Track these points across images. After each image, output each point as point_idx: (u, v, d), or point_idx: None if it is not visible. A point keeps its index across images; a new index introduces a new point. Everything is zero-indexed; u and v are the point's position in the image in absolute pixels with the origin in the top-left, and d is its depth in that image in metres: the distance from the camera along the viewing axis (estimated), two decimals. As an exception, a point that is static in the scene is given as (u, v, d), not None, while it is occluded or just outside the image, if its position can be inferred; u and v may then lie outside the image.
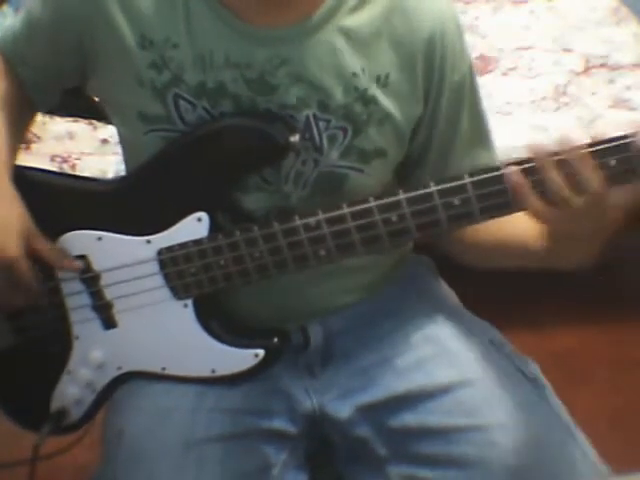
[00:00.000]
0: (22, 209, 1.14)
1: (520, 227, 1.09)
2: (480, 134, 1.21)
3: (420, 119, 1.15)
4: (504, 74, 2.47)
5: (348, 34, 1.09)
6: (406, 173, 1.21)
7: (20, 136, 1.23)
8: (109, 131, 2.21)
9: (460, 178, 1.03)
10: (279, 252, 1.09)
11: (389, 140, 1.14)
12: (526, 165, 1.00)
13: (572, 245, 1.05)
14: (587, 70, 2.46)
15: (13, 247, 1.10)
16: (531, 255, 1.11)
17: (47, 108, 1.28)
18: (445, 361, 1.17)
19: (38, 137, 2.21)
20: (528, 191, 1.00)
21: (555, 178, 0.98)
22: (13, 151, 1.19)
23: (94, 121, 2.26)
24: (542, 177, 0.99)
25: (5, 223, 1.11)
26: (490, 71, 2.47)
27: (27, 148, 2.13)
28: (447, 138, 1.18)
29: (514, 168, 1.00)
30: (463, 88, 1.17)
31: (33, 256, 1.13)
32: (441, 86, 1.14)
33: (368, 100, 1.11)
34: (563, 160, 0.98)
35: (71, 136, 2.26)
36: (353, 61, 1.10)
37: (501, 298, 2.15)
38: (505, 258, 1.19)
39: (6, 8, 2.46)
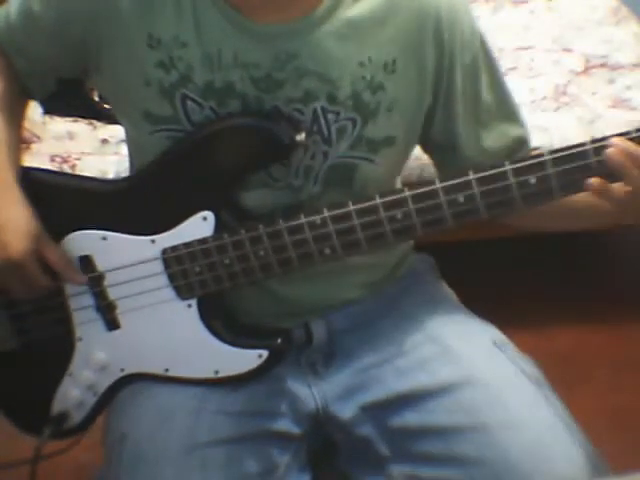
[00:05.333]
0: (30, 211, 1.14)
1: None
2: (506, 107, 1.20)
3: (433, 104, 1.15)
4: (504, 74, 2.46)
5: (353, 24, 1.09)
6: (443, 160, 1.21)
7: (19, 132, 1.22)
8: (109, 131, 2.21)
9: (465, 174, 1.04)
10: (284, 250, 1.09)
11: (398, 127, 1.14)
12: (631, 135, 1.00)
13: None
14: (587, 70, 2.46)
15: (19, 248, 1.11)
16: (599, 215, 1.11)
17: (42, 96, 1.26)
18: (448, 361, 1.16)
19: (38, 137, 2.21)
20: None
21: None
22: (16, 151, 1.18)
23: (94, 121, 2.26)
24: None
25: (13, 224, 1.12)
26: (490, 71, 2.46)
27: (27, 148, 2.12)
28: (472, 118, 1.17)
29: (617, 142, 0.99)
30: (477, 67, 1.16)
31: (41, 259, 1.14)
32: (452, 70, 1.13)
33: (376, 88, 1.10)
34: None
35: (71, 136, 2.26)
36: (359, 51, 1.10)
37: (501, 298, 2.15)
38: (573, 219, 1.18)
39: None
